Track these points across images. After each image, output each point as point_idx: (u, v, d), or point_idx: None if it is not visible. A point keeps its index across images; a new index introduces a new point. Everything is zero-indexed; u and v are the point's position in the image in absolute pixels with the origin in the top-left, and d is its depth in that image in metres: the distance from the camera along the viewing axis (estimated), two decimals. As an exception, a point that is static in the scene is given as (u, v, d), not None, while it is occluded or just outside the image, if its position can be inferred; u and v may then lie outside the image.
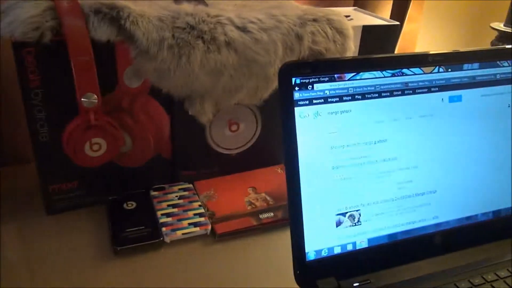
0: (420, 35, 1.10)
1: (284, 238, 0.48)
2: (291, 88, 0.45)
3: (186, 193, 0.66)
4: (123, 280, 0.53)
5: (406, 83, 0.49)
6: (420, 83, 0.49)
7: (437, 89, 0.50)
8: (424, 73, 0.49)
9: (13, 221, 0.62)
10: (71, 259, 0.56)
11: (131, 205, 0.63)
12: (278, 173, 0.72)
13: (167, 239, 0.58)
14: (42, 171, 0.61)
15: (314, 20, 0.62)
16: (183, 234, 0.59)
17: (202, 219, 0.61)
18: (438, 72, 0.50)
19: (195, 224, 0.60)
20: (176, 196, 0.65)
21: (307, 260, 0.47)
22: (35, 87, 0.56)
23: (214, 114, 0.63)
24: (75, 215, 0.63)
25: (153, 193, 0.66)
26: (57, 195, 0.62)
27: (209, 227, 0.60)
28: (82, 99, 0.55)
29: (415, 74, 0.49)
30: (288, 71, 0.45)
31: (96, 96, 0.55)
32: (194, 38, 0.56)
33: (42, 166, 0.61)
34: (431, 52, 0.50)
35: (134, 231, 0.58)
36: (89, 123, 0.56)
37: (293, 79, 0.45)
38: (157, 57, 0.55)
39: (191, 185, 0.68)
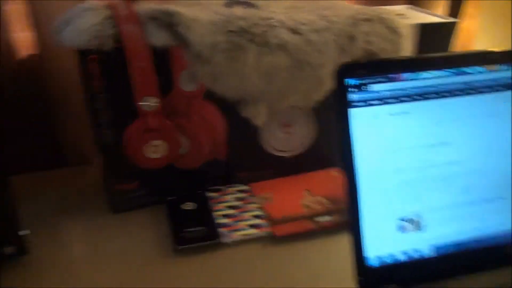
0: (477, 32, 1.04)
1: (343, 242, 0.47)
2: (346, 89, 0.44)
3: (243, 194, 0.67)
4: (184, 278, 0.54)
5: (468, 82, 0.46)
6: (484, 82, 0.46)
7: (502, 88, 0.47)
8: (488, 72, 0.46)
9: (78, 220, 0.66)
10: (134, 256, 0.58)
11: (189, 205, 0.65)
12: (334, 175, 0.70)
13: (226, 240, 0.59)
14: (107, 171, 0.64)
15: (367, 19, 0.60)
16: (242, 235, 0.59)
17: (260, 221, 0.61)
18: (503, 70, 0.47)
19: (254, 226, 0.60)
20: (233, 198, 0.66)
21: (368, 265, 0.46)
22: (98, 91, 0.59)
23: (268, 116, 0.63)
24: (138, 214, 0.66)
25: (210, 194, 0.67)
26: (121, 195, 0.65)
27: (268, 229, 0.60)
28: (141, 103, 0.57)
29: (478, 73, 0.46)
30: (343, 72, 0.44)
31: (156, 99, 0.57)
32: (247, 41, 0.56)
33: (106, 166, 0.64)
34: (495, 50, 0.47)
35: (193, 231, 0.59)
36: (148, 126, 0.58)
37: (348, 80, 0.44)
38: (210, 60, 0.56)
39: (247, 187, 0.68)
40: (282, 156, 0.69)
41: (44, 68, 0.75)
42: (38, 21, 0.72)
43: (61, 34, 0.57)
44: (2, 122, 0.70)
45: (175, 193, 0.67)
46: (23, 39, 0.74)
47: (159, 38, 0.57)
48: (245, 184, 0.69)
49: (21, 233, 0.55)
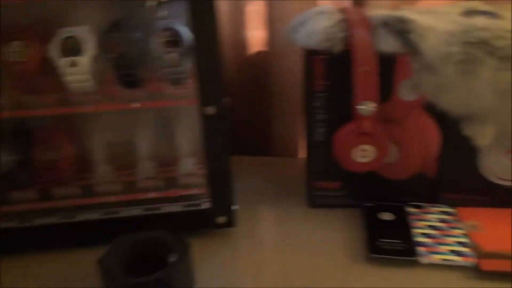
0: None
1: None
2: None
3: (447, 217, 0.62)
4: (374, 286, 0.54)
5: None
6: None
7: None
8: None
9: (276, 207, 0.70)
10: (323, 252, 0.60)
11: (386, 216, 0.63)
12: None
13: (423, 260, 0.56)
14: (311, 167, 0.67)
15: None
16: (442, 259, 0.55)
17: (464, 249, 0.56)
18: None
19: (457, 253, 0.56)
20: (436, 218, 0.62)
21: None
22: (319, 91, 0.62)
23: (493, 139, 0.57)
24: (332, 213, 0.67)
25: (410, 209, 0.64)
26: (320, 191, 0.67)
27: (473, 260, 0.55)
28: (359, 107, 0.58)
29: None
30: None
31: (374, 104, 0.57)
32: (486, 54, 0.52)
33: (311, 162, 0.67)
34: None
35: (389, 243, 0.58)
36: (361, 130, 0.59)
37: None
38: (440, 72, 0.53)
39: (453, 210, 0.64)
40: (502, 185, 0.62)
41: (270, 64, 0.82)
42: (272, 21, 0.79)
43: (295, 34, 0.61)
44: (232, 109, 0.78)
45: (374, 201, 0.66)
46: (256, 37, 0.82)
47: (388, 44, 0.56)
48: (451, 206, 0.64)
49: (233, 207, 0.62)
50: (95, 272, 0.50)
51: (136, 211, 0.61)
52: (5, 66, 0.52)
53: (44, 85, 0.55)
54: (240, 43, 0.82)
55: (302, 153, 0.85)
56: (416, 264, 0.56)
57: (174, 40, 0.54)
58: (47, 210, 0.60)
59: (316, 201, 0.68)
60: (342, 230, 0.64)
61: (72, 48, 0.51)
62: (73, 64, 0.51)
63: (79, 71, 0.51)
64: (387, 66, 0.58)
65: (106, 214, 0.61)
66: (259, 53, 0.83)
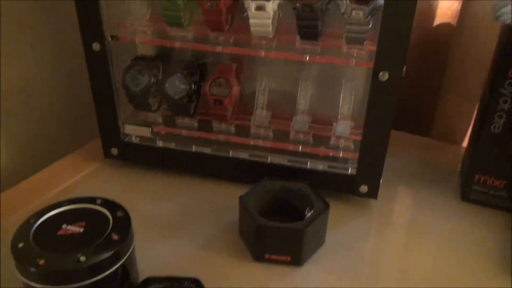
0: None
1: None
2: None
3: None
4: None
5: None
6: None
7: None
8: None
9: (422, 191, 0.66)
10: (461, 254, 0.55)
11: (555, 232, 0.55)
12: None
13: None
14: (476, 157, 0.61)
15: None
16: None
17: None
18: None
19: None
20: None
21: None
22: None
23: None
24: (486, 212, 0.61)
25: None
26: (478, 186, 0.61)
27: None
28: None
29: None
30: None
31: None
32: None
33: (478, 153, 0.60)
34: None
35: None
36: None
37: None
38: None
39: None
40: None
41: (456, 40, 0.74)
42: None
43: (502, 8, 0.54)
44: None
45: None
46: (447, 6, 0.75)
47: None
48: None
49: (378, 179, 0.59)
50: (234, 207, 0.54)
51: (282, 160, 0.63)
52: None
53: (228, 24, 0.58)
54: (427, 10, 0.76)
55: (465, 143, 0.77)
56: None
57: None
58: (203, 140, 0.65)
59: (472, 195, 0.62)
60: (494, 235, 0.57)
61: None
62: (260, 8, 0.52)
63: (264, 15, 0.53)
64: None
65: (255, 157, 0.64)
66: (446, 25, 0.76)
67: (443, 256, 0.55)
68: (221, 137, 0.65)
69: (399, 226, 0.60)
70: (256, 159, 0.64)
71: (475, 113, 0.70)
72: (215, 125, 0.66)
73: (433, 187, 0.67)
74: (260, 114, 0.67)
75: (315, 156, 0.63)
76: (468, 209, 0.62)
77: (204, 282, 0.46)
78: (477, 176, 0.61)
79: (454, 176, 0.69)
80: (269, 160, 0.63)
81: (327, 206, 0.52)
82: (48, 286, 0.39)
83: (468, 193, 0.62)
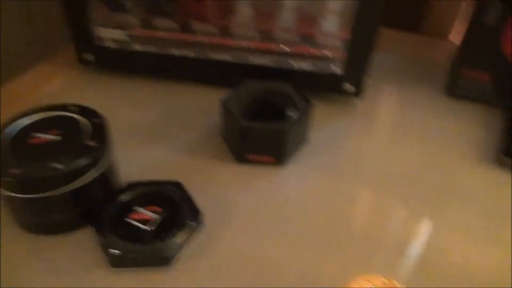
0: None
1: None
2: None
3: None
4: (493, 189, 0.49)
5: None
6: None
7: None
8: None
9: (409, 88, 0.65)
10: (447, 147, 0.55)
11: (538, 124, 0.55)
12: None
13: None
14: (464, 51, 0.58)
15: None
16: None
17: None
18: None
19: None
20: None
21: None
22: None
23: None
24: (471, 106, 0.61)
25: None
26: (465, 80, 0.60)
27: None
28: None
29: None
30: None
31: None
32: None
33: (467, 46, 0.58)
34: None
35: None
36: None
37: None
38: None
39: None
40: None
41: None
42: None
43: None
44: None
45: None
46: None
47: None
48: None
49: (364, 77, 0.58)
50: (217, 110, 0.52)
51: (266, 61, 0.61)
52: None
53: None
54: None
55: (456, 38, 0.74)
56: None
57: None
58: (185, 43, 0.62)
59: (457, 90, 0.61)
60: (477, 127, 0.58)
61: None
62: None
63: None
64: None
65: (238, 58, 0.61)
66: None
67: (428, 149, 0.55)
68: (203, 39, 0.62)
69: (383, 124, 0.60)
70: (240, 61, 0.61)
71: (464, 4, 0.66)
72: (196, 26, 0.62)
73: (420, 84, 0.66)
74: (243, 12, 0.63)
75: (300, 56, 0.60)
76: (454, 104, 0.61)
77: (187, 185, 0.46)
78: (464, 70, 0.59)
79: (442, 72, 0.67)
80: (253, 62, 0.61)
81: (310, 105, 0.51)
82: (27, 195, 0.39)
83: (455, 88, 0.61)
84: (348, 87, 0.59)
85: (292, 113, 0.50)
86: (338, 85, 0.59)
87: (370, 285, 0.35)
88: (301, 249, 0.43)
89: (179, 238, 0.41)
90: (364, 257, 0.43)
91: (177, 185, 0.46)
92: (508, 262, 0.42)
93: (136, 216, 0.42)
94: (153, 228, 0.41)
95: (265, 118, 0.49)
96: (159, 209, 0.43)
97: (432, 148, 0.55)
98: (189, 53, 0.62)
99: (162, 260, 0.40)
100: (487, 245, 0.44)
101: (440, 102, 0.62)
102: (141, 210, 0.43)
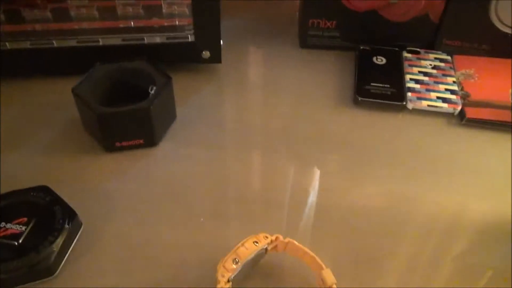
0: None
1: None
2: None
3: (442, 64, 0.60)
4: (358, 130, 0.54)
5: None
6: None
7: None
8: None
9: (265, 46, 0.67)
10: (310, 95, 0.58)
11: (380, 60, 0.60)
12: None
13: (410, 106, 0.55)
14: (306, 3, 0.61)
15: None
16: (428, 105, 0.54)
17: (453, 96, 0.55)
18: None
19: (444, 100, 0.55)
20: (430, 65, 0.60)
21: None
22: None
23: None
24: (324, 55, 0.64)
25: (405, 54, 0.61)
26: (313, 31, 0.63)
27: (459, 108, 0.54)
28: None
29: None
30: None
31: None
32: None
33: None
34: None
35: (379, 87, 0.56)
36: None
37: None
38: None
39: (449, 57, 0.61)
40: (507, 33, 0.58)
41: None
42: None
43: None
44: None
45: (370, 44, 0.63)
46: None
47: None
48: (448, 54, 0.61)
49: (218, 42, 0.58)
50: (72, 102, 0.49)
51: (116, 40, 0.57)
52: None
53: None
54: None
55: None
56: (403, 109, 0.55)
57: None
58: (18, 34, 0.56)
59: (309, 41, 0.64)
60: (333, 73, 0.62)
61: None
62: None
63: None
64: None
65: (84, 42, 0.57)
66: None
67: (293, 102, 0.57)
68: (38, 27, 0.56)
69: (248, 85, 0.61)
70: (86, 44, 0.57)
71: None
72: (25, 13, 0.56)
73: (276, 40, 0.68)
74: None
75: (150, 29, 0.58)
76: (308, 55, 0.65)
77: (58, 186, 0.43)
78: (311, 21, 0.62)
79: (294, 27, 0.70)
80: (101, 43, 0.57)
81: (169, 79, 0.50)
82: None
83: (306, 39, 0.64)
84: (205, 53, 0.58)
85: (153, 91, 0.49)
86: (195, 54, 0.58)
87: (257, 244, 0.37)
88: (194, 225, 0.43)
89: (56, 244, 0.38)
90: (258, 218, 0.44)
91: (44, 189, 0.42)
92: (381, 194, 0.47)
93: (4, 233, 0.38)
94: (19, 242, 0.38)
95: (128, 102, 0.47)
96: (24, 220, 0.39)
97: (296, 100, 0.58)
98: (27, 44, 0.56)
99: (45, 272, 0.38)
100: (363, 183, 0.48)
101: (296, 55, 0.65)
102: (8, 225, 0.39)
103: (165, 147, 0.51)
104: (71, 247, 0.40)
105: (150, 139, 0.49)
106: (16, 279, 0.37)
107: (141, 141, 0.49)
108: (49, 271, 0.38)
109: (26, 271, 0.37)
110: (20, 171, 0.47)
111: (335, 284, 0.36)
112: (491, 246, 0.42)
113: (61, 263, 0.39)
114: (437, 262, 0.41)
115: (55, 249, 0.38)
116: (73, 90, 0.47)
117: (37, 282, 0.38)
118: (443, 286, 0.39)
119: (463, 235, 0.43)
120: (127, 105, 0.46)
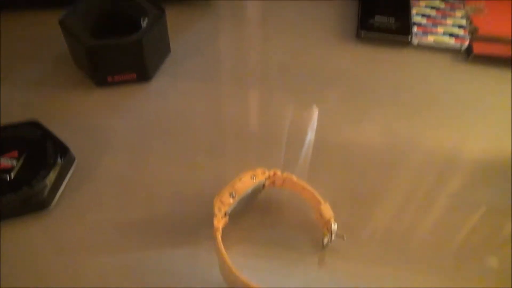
0: None
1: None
2: None
3: (451, -3, 0.57)
4: (361, 66, 0.51)
5: None
6: None
7: None
8: None
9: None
10: (313, 29, 0.56)
11: (385, -7, 0.58)
12: None
13: (415, 41, 0.52)
14: None
15: None
16: (434, 41, 0.52)
17: (461, 31, 0.53)
18: None
19: (452, 35, 0.52)
20: (440, -1, 0.57)
21: None
22: None
23: None
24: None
25: (412, -14, 0.58)
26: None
27: (466, 43, 0.52)
28: None
29: None
30: None
31: None
32: None
33: None
34: None
35: (383, 21, 0.54)
36: None
37: None
38: None
39: (459, -10, 0.58)
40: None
41: None
42: None
43: None
44: None
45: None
46: None
47: None
48: (458, -14, 0.58)
49: None
50: (60, 34, 0.46)
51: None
52: None
53: None
54: None
55: None
56: (407, 44, 0.53)
57: None
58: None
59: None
60: (336, 5, 0.58)
61: None
62: None
63: None
64: None
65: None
66: None
67: (293, 38, 0.55)
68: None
69: (244, 19, 0.58)
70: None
71: None
72: None
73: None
74: None
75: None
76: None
77: (49, 121, 0.41)
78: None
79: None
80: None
81: (162, 11, 0.47)
82: None
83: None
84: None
85: (146, 23, 0.46)
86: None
87: (255, 179, 0.36)
88: (189, 161, 0.42)
89: (49, 179, 0.37)
90: (255, 154, 0.43)
91: (35, 124, 0.41)
92: (380, 131, 0.46)
93: (-4, 167, 0.38)
94: (11, 176, 0.37)
95: (120, 34, 0.45)
96: (15, 154, 0.38)
97: (296, 34, 0.55)
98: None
99: (38, 205, 0.37)
100: (363, 120, 0.46)
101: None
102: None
103: (158, 82, 0.49)
104: (65, 181, 0.40)
105: (142, 74, 0.47)
106: (10, 212, 0.37)
107: (134, 76, 0.47)
108: (43, 204, 0.37)
109: (19, 205, 0.36)
110: (8, 106, 0.45)
111: (333, 217, 0.36)
112: (491, 184, 0.42)
113: (55, 197, 0.38)
114: (434, 198, 0.40)
115: (48, 183, 0.37)
116: (60, 22, 0.45)
117: (32, 214, 0.37)
118: (439, 221, 0.39)
119: (462, 172, 0.42)
120: (119, 38, 0.44)
